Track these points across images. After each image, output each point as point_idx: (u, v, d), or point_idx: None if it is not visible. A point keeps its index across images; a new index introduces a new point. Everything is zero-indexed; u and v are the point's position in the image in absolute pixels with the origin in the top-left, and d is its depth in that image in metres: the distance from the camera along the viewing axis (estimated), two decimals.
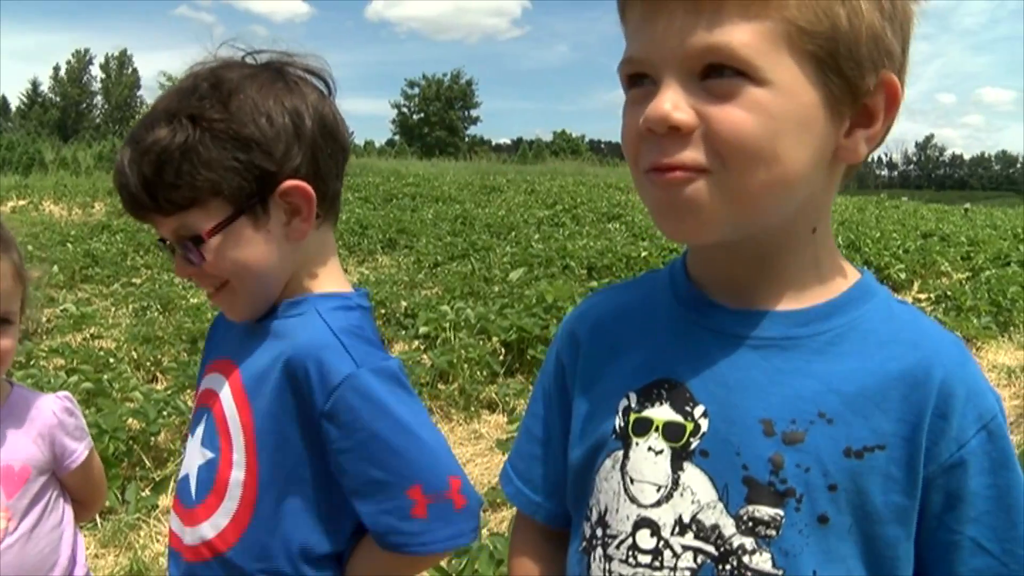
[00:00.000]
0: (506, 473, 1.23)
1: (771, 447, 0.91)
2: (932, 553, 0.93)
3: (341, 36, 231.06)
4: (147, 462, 4.62)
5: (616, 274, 10.30)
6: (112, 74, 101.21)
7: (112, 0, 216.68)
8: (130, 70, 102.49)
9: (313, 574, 1.30)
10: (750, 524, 0.91)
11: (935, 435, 0.90)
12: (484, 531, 3.57)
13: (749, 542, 0.90)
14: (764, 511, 0.90)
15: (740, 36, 0.84)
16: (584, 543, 1.03)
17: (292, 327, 1.33)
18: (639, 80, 0.92)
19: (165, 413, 4.86)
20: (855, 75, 0.88)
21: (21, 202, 21.53)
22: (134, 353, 6.76)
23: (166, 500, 4.20)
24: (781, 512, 0.90)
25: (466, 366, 6.15)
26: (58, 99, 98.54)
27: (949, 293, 9.37)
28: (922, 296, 10.20)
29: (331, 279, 1.40)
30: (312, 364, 1.25)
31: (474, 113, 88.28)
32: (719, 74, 0.85)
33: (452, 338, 6.79)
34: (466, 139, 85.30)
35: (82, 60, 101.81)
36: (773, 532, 0.90)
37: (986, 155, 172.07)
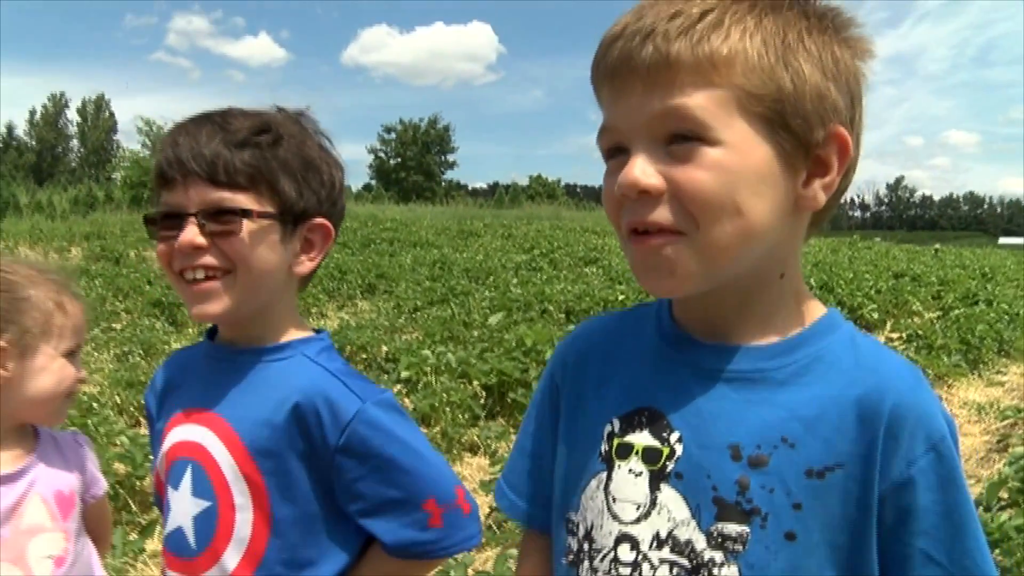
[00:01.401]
0: (500, 488, 1.34)
1: (738, 470, 1.02)
2: (889, 564, 1.02)
3: (317, 81, 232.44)
4: (133, 506, 4.65)
5: None
6: (88, 118, 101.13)
7: (89, 45, 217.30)
8: (107, 114, 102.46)
9: None
10: (719, 540, 1.01)
11: (887, 455, 0.99)
12: (470, 571, 3.64)
13: (719, 556, 1.01)
14: (732, 528, 1.01)
15: (694, 102, 0.96)
16: (572, 556, 1.14)
17: (285, 374, 1.43)
18: (615, 152, 1.04)
19: (152, 457, 4.87)
20: (804, 131, 0.99)
21: None
22: (117, 397, 6.78)
23: (153, 544, 4.22)
24: (747, 529, 1.00)
25: (448, 409, 6.22)
26: (33, 143, 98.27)
27: (920, 332, 9.54)
28: (894, 335, 10.38)
29: (297, 322, 1.52)
30: (322, 405, 1.37)
31: (451, 158, 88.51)
32: (681, 140, 0.97)
33: (434, 382, 6.84)
34: (443, 184, 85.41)
35: (58, 104, 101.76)
36: (740, 547, 1.00)
37: (954, 196, 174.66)
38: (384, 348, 8.55)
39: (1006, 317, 10.79)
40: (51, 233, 23.43)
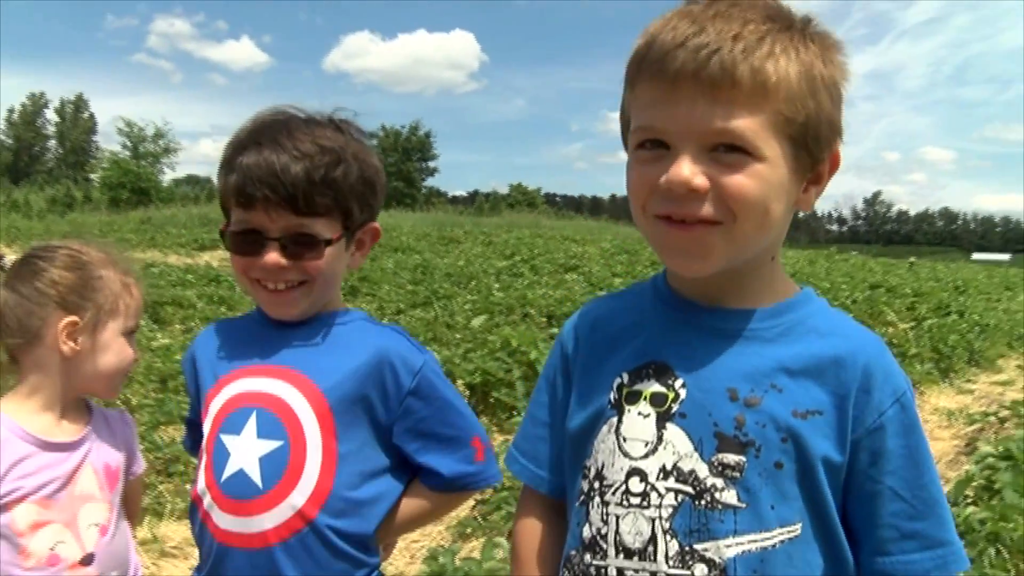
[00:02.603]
0: (511, 455, 1.51)
1: (735, 409, 1.21)
2: (858, 502, 1.23)
3: (299, 87, 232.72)
4: None
5: None
6: (67, 118, 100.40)
7: (69, 45, 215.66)
8: (86, 115, 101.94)
9: (369, 522, 1.63)
10: (720, 468, 1.20)
11: (860, 406, 1.20)
12: (458, 560, 3.75)
13: (720, 482, 1.19)
14: (730, 457, 1.19)
15: (748, 124, 1.13)
16: (583, 496, 1.31)
17: (356, 333, 1.68)
18: (649, 144, 1.20)
19: (142, 448, 4.94)
20: (816, 151, 1.21)
21: None
22: None
23: (143, 532, 4.29)
24: (744, 458, 1.19)
25: None
26: (11, 142, 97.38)
27: (894, 341, 9.72)
28: None
29: (340, 295, 1.76)
30: (395, 356, 1.64)
31: (431, 165, 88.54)
32: (727, 149, 1.14)
33: None
34: (423, 191, 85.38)
35: (37, 103, 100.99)
36: (737, 474, 1.19)
37: (930, 211, 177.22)
38: None
39: (977, 328, 11.02)
40: (28, 232, 23.28)
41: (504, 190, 77.14)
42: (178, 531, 4.37)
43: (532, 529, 1.46)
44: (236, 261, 1.63)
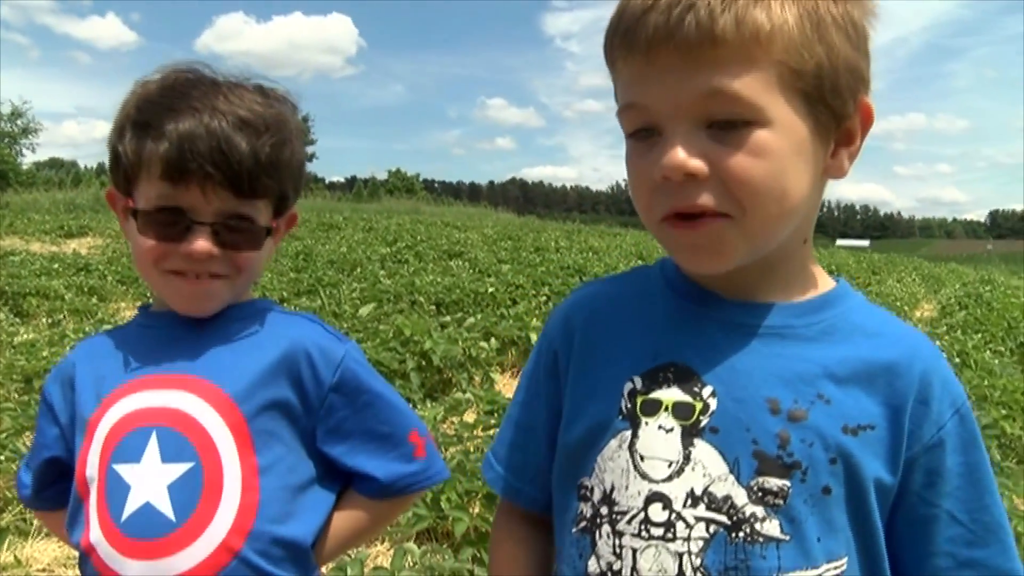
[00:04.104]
0: (488, 461, 1.29)
1: (778, 424, 1.00)
2: (908, 528, 1.05)
3: None
4: None
5: (465, 309, 10.32)
6: None
7: None
8: None
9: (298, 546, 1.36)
10: (760, 494, 0.99)
11: (918, 419, 1.02)
12: (366, 569, 3.49)
13: (760, 510, 0.98)
14: (773, 482, 0.99)
15: (743, 85, 0.92)
16: (584, 523, 1.08)
17: (267, 329, 1.42)
18: (641, 133, 1.00)
19: (2, 458, 4.49)
20: (838, 104, 0.99)
21: None
22: None
23: (5, 555, 3.85)
24: (788, 483, 0.99)
25: None
26: None
27: None
28: None
29: None
30: (312, 348, 1.39)
31: (309, 150, 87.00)
32: (725, 124, 0.93)
33: None
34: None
35: None
36: (780, 501, 0.98)
37: None
38: None
39: None
40: None
41: (383, 176, 76.75)
42: (47, 551, 3.92)
43: (512, 553, 1.25)
44: (149, 248, 1.32)
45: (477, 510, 3.93)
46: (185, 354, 1.37)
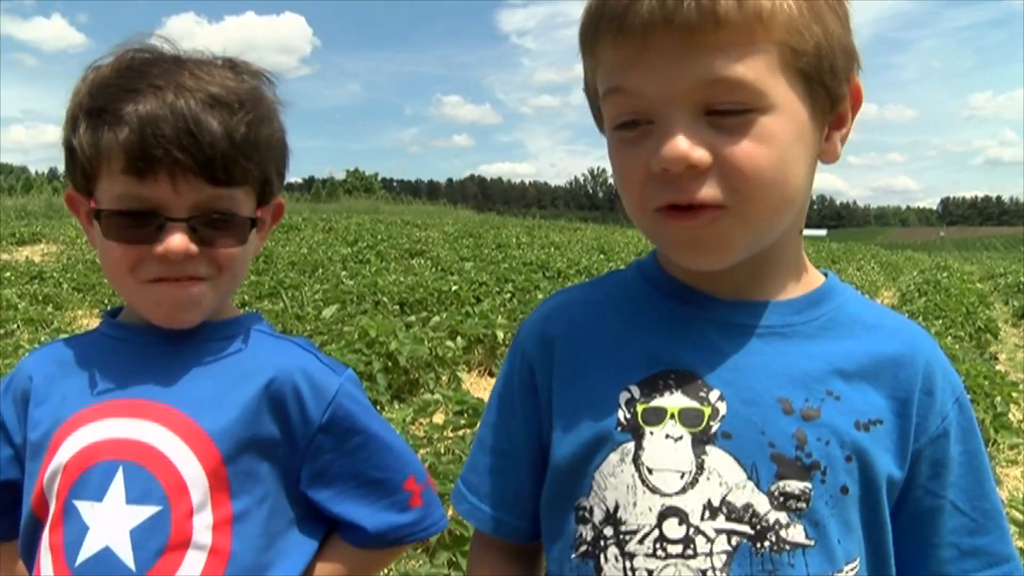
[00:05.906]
0: (459, 491, 1.20)
1: (793, 424, 0.96)
2: (915, 520, 1.03)
3: None
4: None
5: (429, 308, 10.25)
6: None
7: None
8: None
9: None
10: (782, 499, 0.94)
11: (924, 410, 1.01)
12: None
13: (784, 517, 0.94)
14: (794, 485, 0.95)
15: (746, 68, 0.88)
16: (586, 547, 1.01)
17: (252, 355, 1.25)
18: (631, 122, 0.94)
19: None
20: (835, 85, 0.96)
21: None
22: None
23: None
24: (809, 485, 0.95)
25: None
26: None
27: None
28: None
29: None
30: (301, 381, 1.22)
31: None
32: (727, 111, 0.89)
33: None
34: None
35: None
36: (803, 505, 0.94)
37: None
38: None
39: None
40: None
41: (341, 176, 76.13)
42: None
43: None
44: (119, 254, 1.17)
45: (451, 513, 3.88)
46: (158, 377, 1.21)
